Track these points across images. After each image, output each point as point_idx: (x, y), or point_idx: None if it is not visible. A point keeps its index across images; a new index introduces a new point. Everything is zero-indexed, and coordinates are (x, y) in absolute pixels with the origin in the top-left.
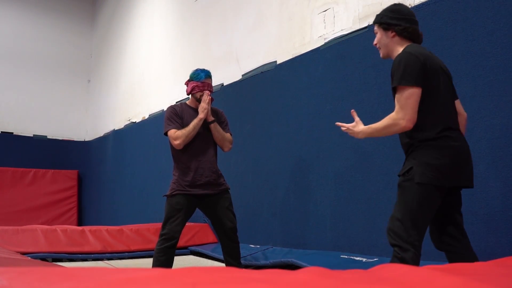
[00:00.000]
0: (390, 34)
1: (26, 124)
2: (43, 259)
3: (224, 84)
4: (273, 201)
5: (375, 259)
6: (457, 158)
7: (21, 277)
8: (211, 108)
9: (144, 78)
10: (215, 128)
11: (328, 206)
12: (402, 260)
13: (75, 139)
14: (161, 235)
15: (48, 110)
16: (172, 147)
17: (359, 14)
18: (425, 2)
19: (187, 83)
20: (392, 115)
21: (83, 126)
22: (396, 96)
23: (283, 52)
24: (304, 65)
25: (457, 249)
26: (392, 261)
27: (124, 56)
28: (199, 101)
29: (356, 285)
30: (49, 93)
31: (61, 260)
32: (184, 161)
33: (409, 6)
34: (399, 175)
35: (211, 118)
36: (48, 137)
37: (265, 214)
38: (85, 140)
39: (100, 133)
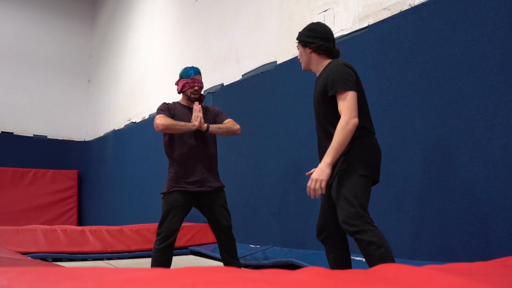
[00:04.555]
0: (308, 50)
1: (26, 124)
2: (43, 259)
3: (224, 84)
4: (273, 201)
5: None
6: (379, 155)
7: (21, 277)
8: (202, 106)
9: (144, 78)
10: (214, 130)
11: None
12: (371, 244)
13: (75, 139)
14: (158, 234)
15: (48, 110)
16: (165, 144)
17: (359, 14)
18: (425, 2)
19: (177, 83)
20: (342, 120)
21: (83, 126)
22: (341, 100)
23: (283, 52)
24: None
25: (342, 247)
26: (365, 252)
27: (124, 56)
28: (190, 98)
29: (356, 285)
30: (49, 93)
31: (61, 260)
32: (178, 158)
33: (409, 6)
34: (338, 170)
35: (204, 127)
36: (48, 137)
37: (265, 214)
38: (85, 140)
39: (100, 133)
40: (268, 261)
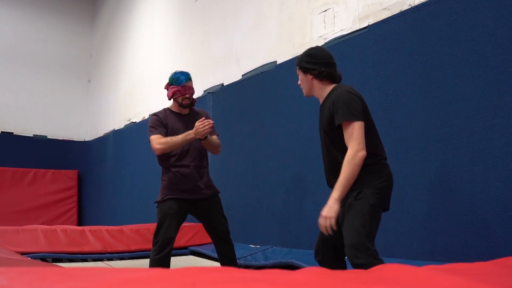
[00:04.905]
0: (309, 77)
1: (26, 124)
2: (43, 259)
3: (224, 84)
4: (273, 201)
5: None
6: (391, 183)
7: (21, 277)
8: (194, 109)
9: (144, 78)
10: (208, 141)
11: None
12: None
13: (75, 139)
14: (154, 244)
15: (48, 110)
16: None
17: (359, 14)
18: (425, 2)
19: (167, 87)
20: (349, 153)
21: (83, 126)
22: (347, 132)
23: (283, 52)
24: None
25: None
26: None
27: (124, 56)
28: (181, 105)
29: (356, 285)
30: (49, 93)
31: (61, 260)
32: (172, 166)
33: (409, 6)
34: (348, 198)
35: (203, 136)
36: (48, 137)
37: (265, 214)
38: (85, 140)
39: (100, 133)
40: (268, 262)
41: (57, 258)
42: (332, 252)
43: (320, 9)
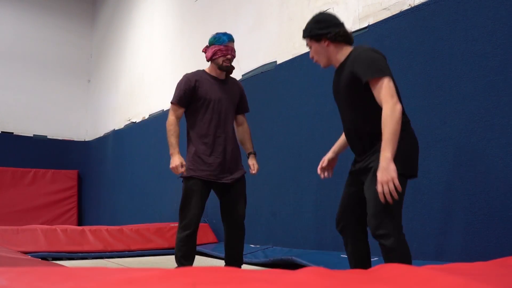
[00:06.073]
0: (324, 43)
1: (26, 124)
2: (43, 258)
3: None
4: (273, 201)
5: (375, 259)
6: (417, 145)
7: (21, 277)
8: (232, 78)
9: (144, 78)
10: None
11: (328, 206)
12: (393, 250)
13: (75, 139)
14: (180, 222)
15: (48, 110)
16: (188, 114)
17: (359, 14)
18: (425, 2)
19: (205, 50)
20: (386, 108)
21: (83, 126)
22: (378, 87)
23: (283, 52)
24: (304, 65)
25: (360, 237)
26: (385, 256)
27: (124, 56)
28: (221, 67)
29: (356, 285)
30: (49, 93)
31: (61, 259)
32: (203, 133)
33: (409, 6)
34: (375, 165)
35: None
36: (48, 137)
37: (265, 214)
38: (85, 140)
39: (100, 133)
40: (267, 259)
41: (57, 257)
42: (354, 221)
43: (320, 9)
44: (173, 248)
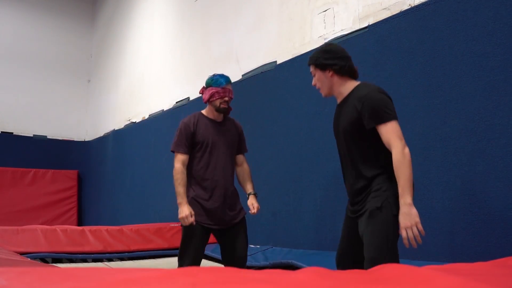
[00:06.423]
0: (328, 74)
1: (26, 124)
2: (43, 259)
3: None
4: (273, 201)
5: None
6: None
7: (20, 277)
8: (229, 118)
9: (144, 78)
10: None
11: (328, 206)
12: None
13: (75, 139)
14: (179, 266)
15: (48, 110)
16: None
17: (359, 14)
18: (425, 2)
19: (202, 91)
20: (397, 152)
21: (83, 126)
22: (387, 130)
23: (283, 52)
24: (304, 65)
25: None
26: None
27: (124, 56)
28: (219, 109)
29: (356, 285)
30: (49, 93)
31: (61, 260)
32: (200, 177)
33: (409, 6)
34: (369, 207)
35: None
36: (48, 137)
37: (265, 214)
38: (85, 140)
39: (100, 133)
40: (267, 263)
41: (57, 258)
42: (353, 263)
43: (320, 9)
44: (173, 248)
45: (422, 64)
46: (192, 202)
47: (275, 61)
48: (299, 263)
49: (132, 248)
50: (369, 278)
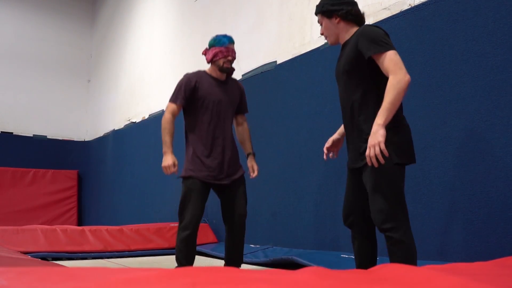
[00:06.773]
0: (335, 20)
1: (26, 124)
2: (43, 258)
3: None
4: (273, 201)
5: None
6: (411, 135)
7: (21, 277)
8: (232, 78)
9: (144, 78)
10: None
11: (328, 206)
12: (400, 243)
13: (75, 139)
14: (179, 223)
15: (48, 110)
16: (187, 115)
17: None
18: (425, 2)
19: (205, 52)
20: (393, 78)
21: (83, 126)
22: (384, 59)
23: (283, 52)
24: (304, 65)
25: (367, 235)
26: (391, 249)
27: (124, 56)
28: (221, 69)
29: (356, 285)
30: (49, 93)
31: (60, 259)
32: (202, 134)
33: (409, 6)
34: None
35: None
36: (48, 137)
37: (265, 214)
38: (85, 140)
39: (100, 133)
40: (268, 259)
41: (57, 257)
42: (361, 216)
43: None
44: (173, 248)
45: (422, 64)
46: (192, 158)
47: (275, 61)
48: (300, 259)
49: (132, 248)
50: (369, 278)
